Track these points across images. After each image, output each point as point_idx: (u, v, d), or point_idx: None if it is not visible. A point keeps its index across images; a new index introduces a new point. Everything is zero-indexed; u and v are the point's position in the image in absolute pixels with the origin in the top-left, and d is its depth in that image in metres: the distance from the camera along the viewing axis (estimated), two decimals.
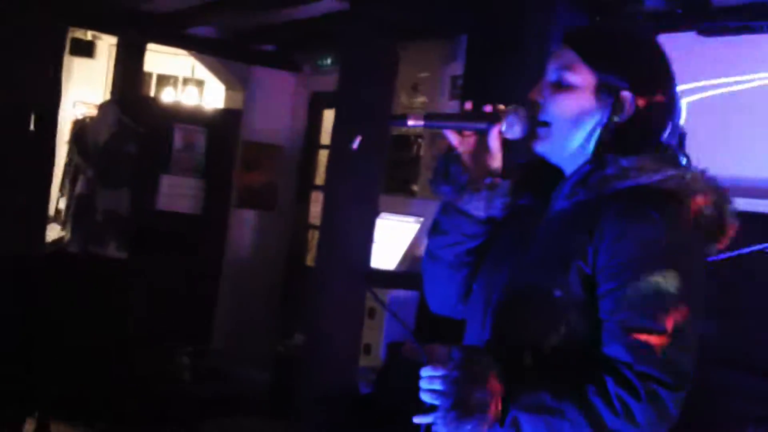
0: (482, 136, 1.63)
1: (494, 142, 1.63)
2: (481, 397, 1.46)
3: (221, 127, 6.32)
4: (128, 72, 6.32)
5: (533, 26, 3.83)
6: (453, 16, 4.53)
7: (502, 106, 1.62)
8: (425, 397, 1.52)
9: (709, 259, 1.55)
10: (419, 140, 5.47)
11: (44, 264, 5.46)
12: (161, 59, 7.37)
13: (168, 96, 7.52)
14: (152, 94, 7.71)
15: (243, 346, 6.33)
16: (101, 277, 5.65)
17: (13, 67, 5.29)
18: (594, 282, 1.51)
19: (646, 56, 1.61)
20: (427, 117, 1.64)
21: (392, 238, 5.18)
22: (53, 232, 6.17)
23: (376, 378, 4.46)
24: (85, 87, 7.52)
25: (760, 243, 2.48)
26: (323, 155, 6.40)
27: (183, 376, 5.72)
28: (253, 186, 6.74)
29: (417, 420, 1.54)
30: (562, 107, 1.58)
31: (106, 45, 7.36)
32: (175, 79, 7.82)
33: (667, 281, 1.46)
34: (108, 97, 6.77)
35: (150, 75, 7.61)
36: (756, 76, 3.74)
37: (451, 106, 5.17)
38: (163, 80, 7.81)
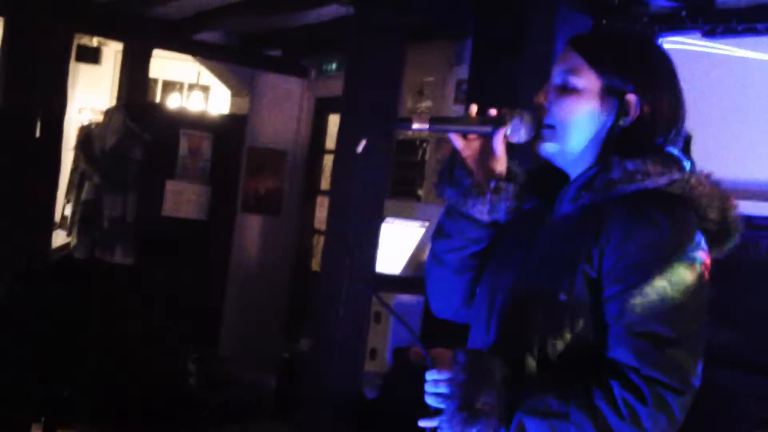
0: (487, 139, 1.63)
1: (499, 146, 1.62)
2: (487, 401, 1.46)
3: (227, 132, 6.34)
4: (134, 78, 6.34)
5: (538, 30, 3.83)
6: (458, 19, 4.53)
7: (507, 110, 1.62)
8: (430, 401, 1.52)
9: (716, 261, 1.55)
10: (424, 145, 5.46)
11: (50, 270, 5.48)
12: (167, 65, 7.39)
13: (174, 102, 7.54)
14: (158, 100, 7.73)
15: (249, 351, 6.33)
16: (107, 283, 5.65)
17: (19, 73, 5.31)
18: (599, 286, 1.50)
19: (650, 59, 1.61)
20: (432, 120, 1.64)
21: (397, 243, 5.18)
22: (59, 238, 6.18)
23: (382, 383, 4.45)
24: (91, 93, 7.54)
25: (765, 246, 2.48)
26: (328, 160, 6.41)
27: (189, 381, 5.73)
28: (258, 191, 6.75)
29: (422, 423, 1.54)
30: (568, 110, 1.58)
31: (112, 51, 7.38)
32: (181, 85, 7.84)
33: (673, 285, 1.46)
34: (114, 103, 6.79)
35: (156, 81, 7.63)
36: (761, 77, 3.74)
37: (456, 110, 5.16)
38: (168, 86, 7.83)
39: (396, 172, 5.34)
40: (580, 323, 1.51)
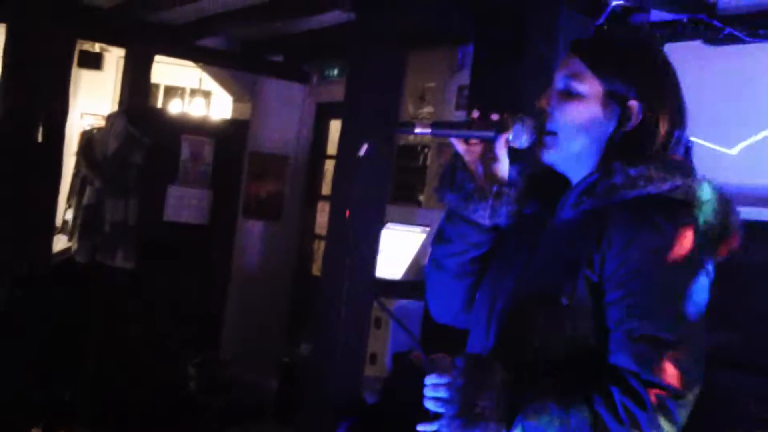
0: (489, 144, 1.63)
1: (501, 151, 1.63)
2: (486, 405, 1.46)
3: (228, 137, 6.34)
4: (136, 83, 6.35)
5: (539, 35, 3.83)
6: (459, 25, 4.54)
7: (509, 115, 1.62)
8: (430, 405, 1.52)
9: (716, 264, 1.55)
10: (426, 150, 5.47)
11: (51, 274, 5.48)
12: (168, 71, 7.40)
13: (175, 107, 7.55)
14: (160, 105, 7.74)
15: (250, 355, 6.33)
16: (108, 288, 5.66)
17: (22, 79, 5.33)
18: (601, 290, 1.51)
19: (653, 65, 1.62)
20: (434, 125, 1.65)
21: (398, 248, 5.18)
22: (60, 242, 6.19)
23: (382, 387, 4.46)
24: (93, 98, 7.56)
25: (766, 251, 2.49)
26: (330, 165, 6.42)
27: (190, 386, 5.73)
28: (260, 196, 6.76)
29: (421, 428, 1.54)
30: (570, 116, 1.59)
31: (114, 57, 7.39)
32: (183, 90, 7.85)
33: (674, 291, 1.47)
34: (116, 108, 6.80)
35: (157, 86, 7.65)
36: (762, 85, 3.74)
37: (457, 116, 5.17)
38: (170, 91, 7.84)
39: (397, 177, 5.34)
40: (581, 327, 1.52)
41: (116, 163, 5.77)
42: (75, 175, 6.33)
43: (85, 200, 5.94)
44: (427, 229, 5.12)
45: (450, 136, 1.66)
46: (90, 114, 7.52)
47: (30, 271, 5.33)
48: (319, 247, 6.45)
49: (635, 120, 1.57)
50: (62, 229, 6.35)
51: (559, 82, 1.61)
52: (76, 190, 6.21)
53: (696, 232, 1.50)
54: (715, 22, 3.73)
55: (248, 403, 5.73)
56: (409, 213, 5.39)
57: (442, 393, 1.50)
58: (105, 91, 7.57)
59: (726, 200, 1.56)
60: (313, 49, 6.35)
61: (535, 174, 1.68)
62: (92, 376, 5.43)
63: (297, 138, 6.80)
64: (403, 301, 4.63)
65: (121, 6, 5.64)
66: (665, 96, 1.59)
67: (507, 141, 1.62)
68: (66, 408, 5.16)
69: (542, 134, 1.60)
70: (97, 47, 7.39)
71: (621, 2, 3.72)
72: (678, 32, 3.86)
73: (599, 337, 1.51)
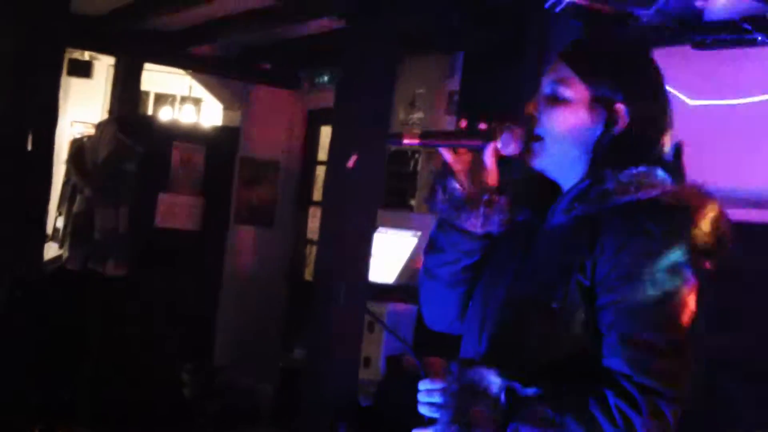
0: (478, 153, 1.64)
1: (490, 159, 1.64)
2: (480, 410, 1.46)
3: (219, 144, 6.34)
4: (126, 91, 6.35)
5: (530, 42, 3.85)
6: (450, 32, 4.55)
7: (497, 123, 1.63)
8: (424, 411, 1.52)
9: (710, 269, 1.55)
10: (416, 156, 5.49)
11: (43, 282, 5.47)
12: (158, 78, 7.39)
13: (166, 114, 7.54)
14: (150, 112, 7.72)
15: (244, 361, 6.33)
16: (102, 294, 5.65)
17: (10, 87, 5.31)
18: (593, 294, 1.51)
19: (639, 68, 1.62)
20: (423, 136, 1.65)
21: (390, 252, 5.19)
22: (51, 250, 6.17)
23: (376, 390, 4.47)
24: (83, 107, 7.53)
25: (759, 254, 2.49)
26: (321, 171, 6.43)
27: (184, 392, 5.72)
28: (251, 202, 6.75)
29: None
30: (557, 121, 1.59)
31: (104, 65, 7.37)
32: (173, 97, 7.83)
33: (666, 294, 1.47)
34: (106, 116, 6.79)
35: (147, 94, 7.63)
36: (750, 89, 3.76)
37: (448, 122, 5.19)
38: (160, 99, 7.82)
39: (388, 182, 5.36)
40: (574, 332, 1.52)
41: (106, 171, 5.76)
42: (65, 183, 6.32)
43: (75, 208, 5.93)
44: (419, 233, 5.14)
45: (438, 146, 1.67)
46: (80, 122, 7.50)
47: (21, 279, 5.32)
48: (312, 252, 6.46)
49: (622, 123, 1.57)
50: (53, 237, 6.34)
51: (546, 87, 1.62)
52: (67, 198, 6.20)
53: (687, 237, 1.51)
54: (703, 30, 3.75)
55: (243, 408, 5.73)
56: (400, 217, 5.41)
57: (437, 398, 1.50)
58: (95, 99, 7.54)
59: (717, 203, 1.57)
60: (303, 56, 6.36)
61: (527, 181, 1.69)
62: (91, 378, 5.43)
63: (288, 144, 6.81)
64: (396, 305, 4.65)
65: (111, 14, 5.65)
66: (652, 98, 1.59)
67: (496, 149, 1.62)
68: (65, 409, 5.16)
69: (530, 141, 1.61)
70: (86, 55, 7.36)
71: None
72: (666, 37, 3.88)
73: (592, 341, 1.51)
